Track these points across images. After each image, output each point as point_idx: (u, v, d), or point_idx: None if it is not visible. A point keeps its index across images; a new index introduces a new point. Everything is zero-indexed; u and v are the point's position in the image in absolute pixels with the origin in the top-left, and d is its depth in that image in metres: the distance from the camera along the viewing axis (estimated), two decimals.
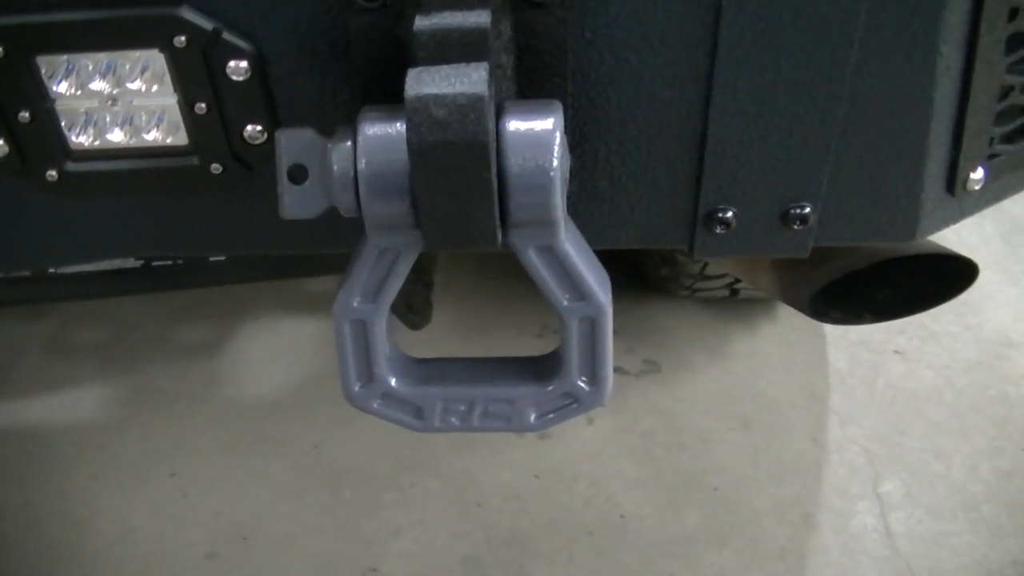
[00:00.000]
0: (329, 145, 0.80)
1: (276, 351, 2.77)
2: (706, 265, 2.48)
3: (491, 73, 0.74)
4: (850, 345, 2.69)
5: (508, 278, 2.87)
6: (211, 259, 1.65)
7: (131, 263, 1.64)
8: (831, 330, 2.72)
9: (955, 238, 1.38)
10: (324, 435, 2.48)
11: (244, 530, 2.26)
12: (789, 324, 2.75)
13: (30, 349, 2.78)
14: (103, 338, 2.82)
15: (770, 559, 2.14)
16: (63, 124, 0.91)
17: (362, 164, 0.77)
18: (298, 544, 2.23)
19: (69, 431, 2.52)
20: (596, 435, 2.48)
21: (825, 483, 2.32)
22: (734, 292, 2.63)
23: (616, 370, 2.59)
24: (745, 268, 1.78)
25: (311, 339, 2.80)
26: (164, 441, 2.47)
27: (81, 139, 0.91)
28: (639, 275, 2.78)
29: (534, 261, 0.83)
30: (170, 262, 1.64)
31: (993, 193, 0.99)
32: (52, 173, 0.93)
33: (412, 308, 0.98)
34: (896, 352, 2.66)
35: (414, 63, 0.74)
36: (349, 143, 0.79)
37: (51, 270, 1.65)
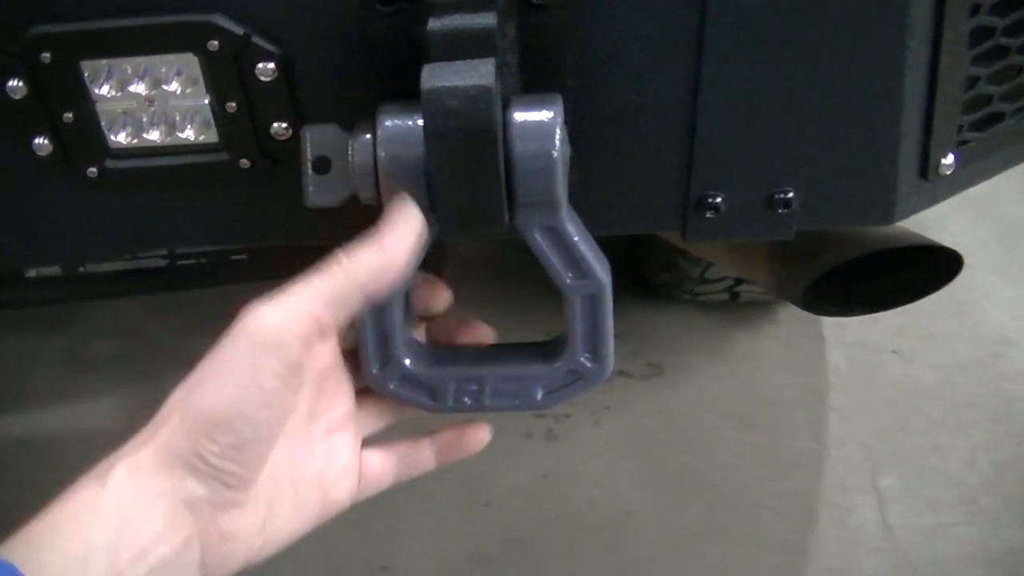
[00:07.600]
0: (350, 138, 0.88)
1: None
2: (706, 269, 2.54)
3: (498, 68, 0.82)
4: (849, 346, 2.76)
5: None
6: (232, 257, 1.72)
7: (156, 262, 1.71)
8: (830, 332, 2.79)
9: (952, 240, 1.46)
10: None
11: None
12: (789, 327, 2.82)
13: (47, 362, 2.84)
14: (120, 352, 2.88)
15: (771, 551, 2.21)
16: (103, 124, 0.98)
17: (382, 153, 0.85)
18: (312, 543, 2.28)
19: (85, 443, 2.57)
20: (601, 436, 2.54)
21: (825, 478, 2.38)
22: (734, 296, 2.70)
23: (620, 373, 2.67)
24: (743, 265, 1.86)
25: None
26: None
27: (120, 138, 0.98)
28: (641, 281, 2.85)
29: (539, 241, 0.90)
30: (193, 261, 1.72)
31: (965, 178, 1.06)
32: (93, 170, 1.00)
33: None
34: (894, 352, 2.73)
35: (427, 60, 0.82)
36: (369, 135, 0.86)
37: (80, 269, 1.72)
